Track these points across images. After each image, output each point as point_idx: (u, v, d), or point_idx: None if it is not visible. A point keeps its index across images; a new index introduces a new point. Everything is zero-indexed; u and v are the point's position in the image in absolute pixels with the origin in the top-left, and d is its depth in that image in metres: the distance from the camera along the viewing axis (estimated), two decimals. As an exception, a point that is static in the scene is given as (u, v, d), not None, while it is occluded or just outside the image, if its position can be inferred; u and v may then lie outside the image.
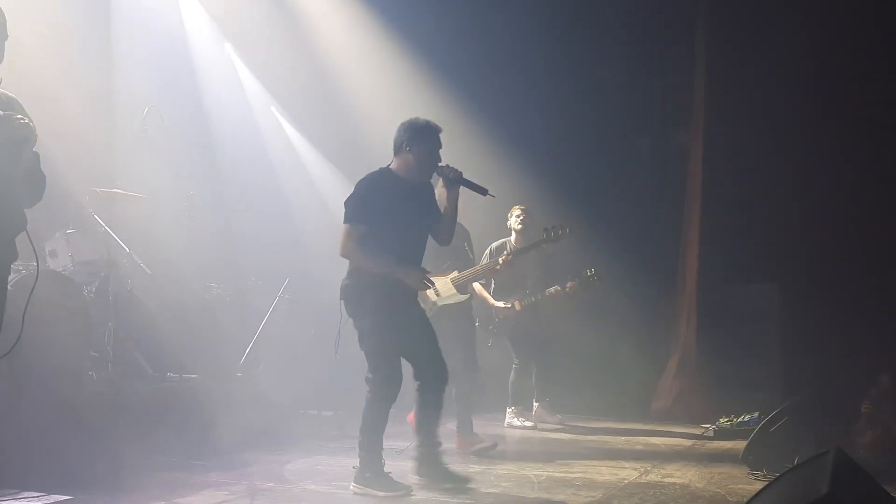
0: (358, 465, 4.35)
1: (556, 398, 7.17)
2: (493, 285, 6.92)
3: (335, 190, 8.91)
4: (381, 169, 4.47)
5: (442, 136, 4.46)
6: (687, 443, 6.28)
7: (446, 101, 8.30)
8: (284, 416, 6.25)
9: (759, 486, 4.07)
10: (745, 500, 2.66)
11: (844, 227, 6.89)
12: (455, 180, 4.39)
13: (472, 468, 5.06)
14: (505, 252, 6.15)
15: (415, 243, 4.49)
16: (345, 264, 4.51)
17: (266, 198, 7.89)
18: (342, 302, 4.47)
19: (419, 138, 4.36)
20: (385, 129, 8.41)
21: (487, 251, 6.79)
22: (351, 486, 4.32)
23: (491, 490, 4.44)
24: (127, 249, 5.22)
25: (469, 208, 6.52)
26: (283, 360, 6.66)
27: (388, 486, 4.25)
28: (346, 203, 4.36)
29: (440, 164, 4.39)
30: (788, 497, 2.19)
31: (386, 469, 4.37)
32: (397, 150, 4.43)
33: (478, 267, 5.93)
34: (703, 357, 7.54)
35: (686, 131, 7.97)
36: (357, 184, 4.42)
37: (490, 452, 5.56)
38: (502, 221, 7.21)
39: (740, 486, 4.55)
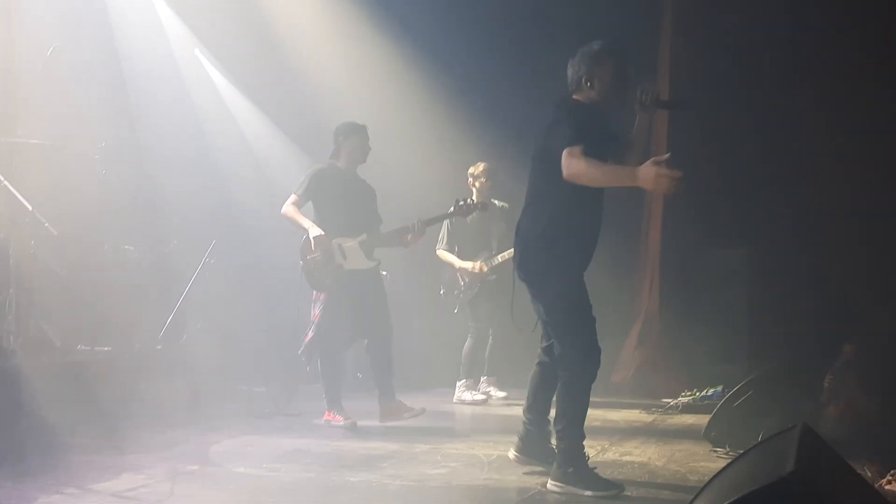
0: (559, 457, 4.06)
1: (510, 372, 7.25)
2: (456, 249, 7.04)
3: (268, 143, 8.81)
4: (576, 101, 4.07)
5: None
6: (647, 418, 6.39)
7: (397, 53, 8.26)
8: (211, 392, 6.20)
9: (721, 463, 4.14)
10: (707, 478, 2.70)
11: (814, 192, 7.01)
12: (652, 104, 4.03)
13: (419, 447, 5.09)
14: (416, 221, 6.15)
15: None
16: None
17: (189, 151, 7.71)
18: (519, 267, 4.20)
19: (600, 67, 4.04)
20: (325, 77, 8.49)
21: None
22: (549, 485, 4.05)
23: (438, 471, 4.45)
24: (30, 207, 5.04)
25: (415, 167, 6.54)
26: (209, 331, 6.57)
27: (597, 484, 3.97)
28: (562, 127, 3.87)
29: (631, 90, 4.02)
30: (752, 475, 2.23)
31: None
32: (576, 86, 4.10)
33: (387, 232, 5.96)
34: (666, 326, 7.68)
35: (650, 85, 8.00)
36: (569, 113, 3.96)
37: (432, 427, 5.62)
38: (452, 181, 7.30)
39: (702, 463, 4.65)
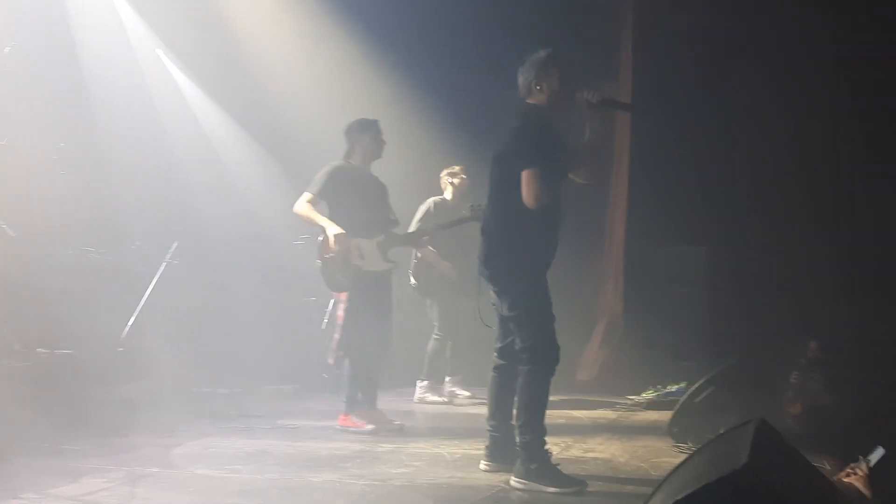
0: (521, 454, 4.10)
1: (472, 371, 7.25)
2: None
3: (231, 143, 8.75)
4: (531, 105, 4.25)
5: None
6: (611, 415, 6.43)
7: (362, 50, 8.24)
8: (173, 395, 6.13)
9: (682, 458, 4.18)
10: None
11: (775, 190, 7.09)
12: (599, 104, 4.17)
13: (383, 447, 5.08)
14: (434, 225, 6.16)
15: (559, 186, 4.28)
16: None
17: (151, 151, 7.62)
18: (484, 264, 4.27)
19: (546, 71, 4.22)
20: (288, 77, 8.45)
21: (430, 204, 6.90)
22: (512, 481, 4.07)
23: (402, 470, 4.44)
24: (-14, 208, 4.98)
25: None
26: (171, 333, 6.50)
27: (560, 481, 3.98)
28: (522, 145, 4.11)
29: (578, 92, 4.17)
30: (708, 468, 2.24)
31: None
32: (527, 91, 4.27)
33: (404, 234, 6.03)
34: (630, 324, 7.73)
35: (613, 88, 8.05)
36: (527, 122, 4.19)
37: (400, 431, 5.58)
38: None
39: (664, 459, 4.68)
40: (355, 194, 5.65)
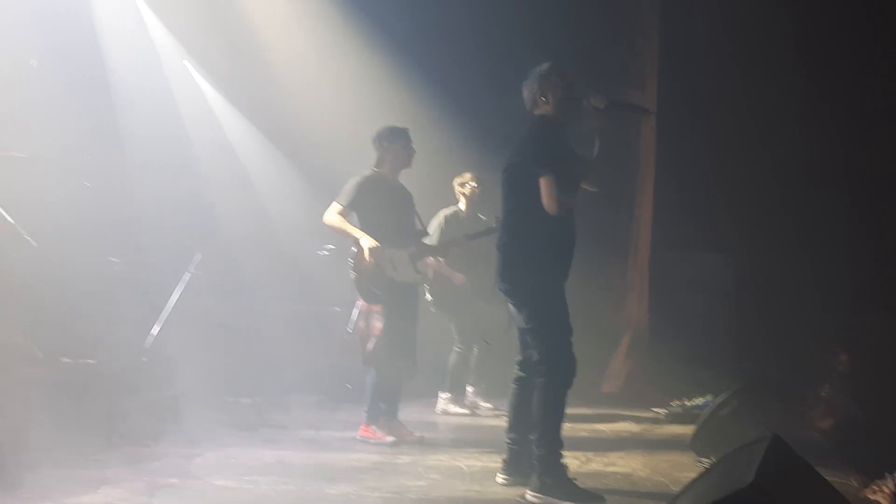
0: (536, 467, 4.09)
1: (495, 382, 7.21)
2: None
3: (257, 154, 8.81)
4: (539, 116, 4.28)
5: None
6: (635, 428, 6.36)
7: (385, 63, 8.26)
8: (195, 405, 6.14)
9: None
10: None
11: (802, 197, 6.99)
12: (607, 109, 4.19)
13: (401, 459, 5.06)
14: (462, 235, 6.20)
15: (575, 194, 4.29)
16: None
17: (177, 161, 7.69)
18: (501, 278, 4.27)
19: (550, 82, 4.26)
20: (314, 88, 8.49)
21: (442, 218, 6.87)
22: (527, 496, 4.06)
23: (418, 482, 4.42)
24: (10, 219, 5.03)
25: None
26: (194, 343, 6.52)
27: (577, 496, 3.96)
28: (535, 154, 4.14)
29: (584, 99, 4.22)
30: (717, 486, 2.20)
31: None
32: (533, 104, 4.31)
33: (435, 246, 6.08)
34: (656, 336, 7.65)
35: (639, 96, 8.00)
36: (538, 131, 4.22)
37: (420, 443, 5.56)
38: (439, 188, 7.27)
39: (686, 474, 4.61)
40: (386, 204, 5.62)
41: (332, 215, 5.56)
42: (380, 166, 5.70)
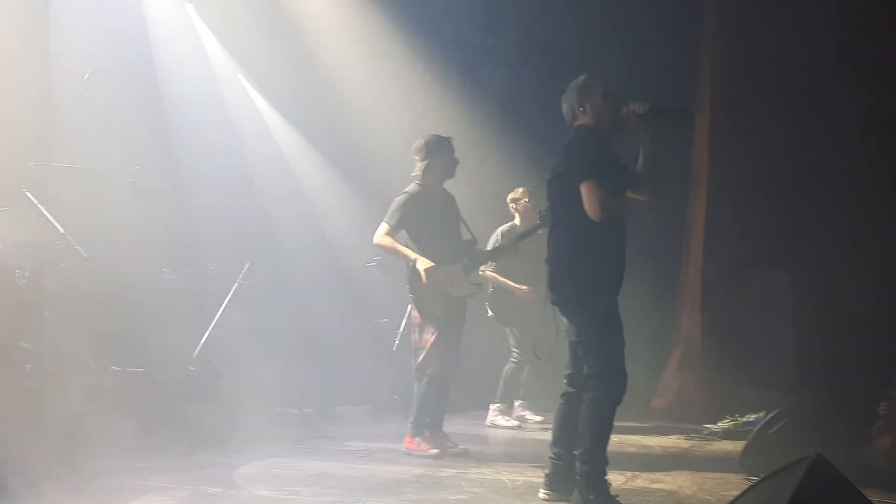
0: (580, 483, 4.04)
1: (544, 396, 7.14)
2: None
3: (310, 167, 8.89)
4: (580, 126, 4.25)
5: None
6: (685, 444, 6.24)
7: (437, 77, 8.29)
8: (242, 414, 6.20)
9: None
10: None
11: (862, 211, 6.79)
12: (648, 114, 4.12)
13: (444, 472, 5.03)
14: (513, 237, 6.16)
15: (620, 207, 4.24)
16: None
17: (230, 174, 7.82)
18: (552, 290, 4.22)
19: (588, 92, 4.23)
20: (363, 102, 8.55)
21: (499, 234, 6.87)
22: None
23: (459, 496, 4.38)
24: (62, 230, 5.13)
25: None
26: (242, 353, 6.59)
27: None
28: (576, 161, 4.09)
29: (624, 106, 4.16)
30: (755, 507, 2.13)
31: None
32: (573, 117, 4.28)
33: (485, 252, 6.01)
34: (708, 351, 7.50)
35: (692, 106, 7.88)
36: (579, 140, 4.18)
37: (465, 454, 5.52)
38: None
39: (733, 492, 4.43)
40: (434, 218, 5.59)
41: (382, 237, 5.54)
42: (424, 179, 5.66)
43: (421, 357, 5.58)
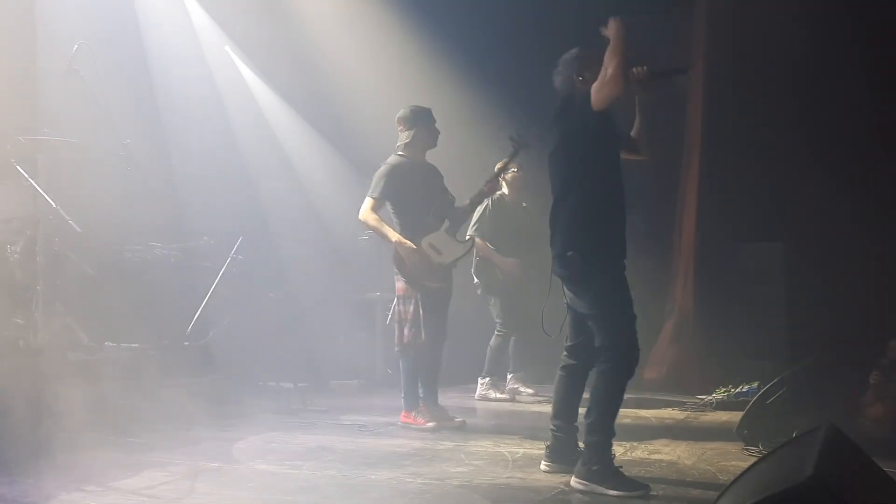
0: (585, 453, 4.02)
1: (535, 368, 7.16)
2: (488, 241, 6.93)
3: (299, 139, 8.80)
4: (580, 92, 4.19)
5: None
6: (680, 415, 6.26)
7: (429, 49, 8.19)
8: (237, 389, 6.18)
9: (750, 463, 4.02)
10: (733, 479, 2.59)
11: (855, 183, 6.79)
12: (649, 78, 4.15)
13: (443, 445, 5.03)
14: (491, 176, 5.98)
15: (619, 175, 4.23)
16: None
17: (219, 147, 7.72)
18: (560, 264, 4.14)
19: (586, 62, 4.19)
20: (354, 74, 8.45)
21: (487, 202, 6.87)
22: (572, 481, 4.00)
23: (461, 469, 4.38)
24: (54, 204, 5.06)
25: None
26: (236, 327, 6.56)
27: (622, 484, 3.87)
28: (579, 107, 4.06)
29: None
30: (774, 477, 2.12)
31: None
32: (571, 87, 4.23)
33: (463, 206, 5.78)
34: (701, 322, 7.51)
35: (685, 79, 7.83)
36: (573, 99, 4.17)
37: (462, 428, 5.52)
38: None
39: (732, 462, 4.52)
40: (418, 190, 5.56)
41: (367, 212, 5.54)
42: (406, 149, 5.64)
43: (405, 329, 5.56)
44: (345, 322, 7.64)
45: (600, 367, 4.05)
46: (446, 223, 5.59)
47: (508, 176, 7.01)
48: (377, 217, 5.53)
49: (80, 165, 5.49)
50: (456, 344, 7.02)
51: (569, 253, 4.08)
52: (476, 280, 7.04)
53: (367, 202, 5.55)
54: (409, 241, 5.44)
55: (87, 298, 5.46)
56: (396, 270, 5.57)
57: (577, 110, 4.13)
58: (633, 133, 4.36)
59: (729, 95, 7.45)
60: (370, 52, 8.42)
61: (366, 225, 5.61)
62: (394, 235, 5.48)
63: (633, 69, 4.12)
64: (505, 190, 7.05)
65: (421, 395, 5.63)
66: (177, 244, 6.34)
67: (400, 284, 5.61)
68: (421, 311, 5.50)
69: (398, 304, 5.67)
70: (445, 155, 6.77)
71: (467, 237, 6.75)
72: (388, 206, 5.61)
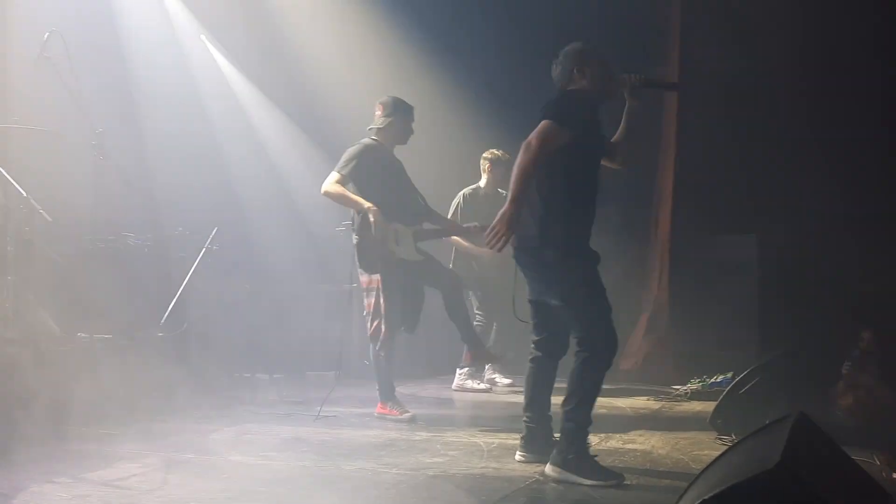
0: (561, 441, 4.02)
1: (515, 358, 7.16)
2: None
3: (274, 129, 8.76)
4: (574, 90, 4.17)
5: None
6: (654, 406, 6.30)
7: (407, 39, 8.17)
8: (212, 381, 6.14)
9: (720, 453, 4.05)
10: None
11: (827, 176, 6.86)
12: (641, 85, 4.16)
13: (419, 435, 5.03)
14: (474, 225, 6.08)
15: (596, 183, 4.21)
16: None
17: (194, 136, 7.67)
18: (530, 252, 4.14)
19: (587, 58, 4.17)
20: (330, 63, 8.41)
21: (460, 196, 6.84)
22: (547, 468, 4.01)
23: (436, 459, 4.38)
24: (24, 193, 5.00)
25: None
26: (211, 318, 6.52)
27: (596, 473, 3.88)
28: (550, 106, 3.99)
29: (621, 75, 4.16)
30: (742, 466, 2.14)
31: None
32: (567, 80, 4.19)
33: (438, 229, 5.87)
34: (676, 314, 7.58)
35: (661, 73, 7.87)
36: (568, 97, 4.13)
37: (434, 415, 5.55)
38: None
39: (706, 452, 4.55)
40: (387, 176, 5.50)
41: (331, 185, 5.40)
42: (379, 134, 5.57)
43: (369, 322, 5.53)
44: (321, 313, 7.62)
45: (579, 357, 4.05)
46: (416, 227, 5.56)
47: (486, 165, 7.04)
48: (342, 187, 5.39)
49: (52, 154, 5.44)
50: (434, 334, 7.04)
51: (546, 251, 4.08)
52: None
53: (333, 176, 5.41)
54: (378, 210, 5.33)
55: (58, 289, 5.40)
56: (354, 235, 5.46)
57: (559, 100, 4.11)
58: (615, 138, 4.30)
59: (704, 92, 7.49)
60: (346, 39, 8.40)
61: (329, 196, 5.43)
62: (365, 202, 5.36)
63: (627, 75, 4.13)
64: (482, 182, 7.06)
65: (394, 386, 5.62)
66: (150, 234, 6.28)
67: (364, 277, 5.56)
68: (382, 302, 5.44)
69: (364, 297, 5.61)
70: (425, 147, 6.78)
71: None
72: (353, 188, 5.48)
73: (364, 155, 5.45)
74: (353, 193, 5.45)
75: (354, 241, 5.48)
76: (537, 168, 3.90)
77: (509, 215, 3.87)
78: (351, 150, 5.50)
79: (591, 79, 4.15)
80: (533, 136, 3.89)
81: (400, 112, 5.57)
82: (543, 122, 3.91)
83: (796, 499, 1.80)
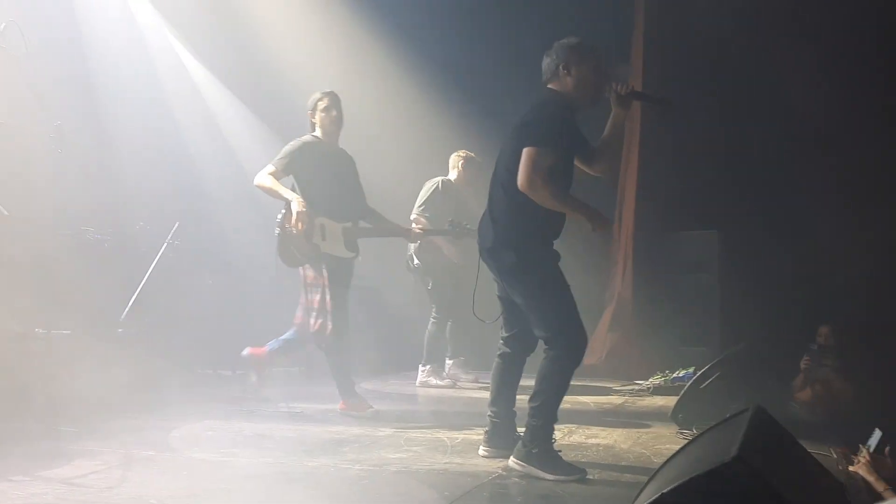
0: (523, 437, 4.04)
1: (473, 354, 7.20)
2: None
3: (237, 124, 8.68)
4: (552, 90, 4.12)
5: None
6: (617, 401, 6.36)
7: (374, 36, 8.14)
8: (173, 377, 6.08)
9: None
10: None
11: (785, 175, 6.97)
12: (629, 96, 4.09)
13: (383, 431, 5.03)
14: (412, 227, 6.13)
15: (571, 179, 4.17)
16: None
17: (156, 130, 7.58)
18: (491, 255, 4.12)
19: (579, 57, 4.07)
20: (294, 58, 8.34)
21: (438, 182, 6.87)
22: (510, 461, 4.02)
23: (399, 455, 4.38)
24: (-20, 188, 4.92)
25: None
26: (173, 314, 6.45)
27: (559, 468, 3.92)
28: (531, 126, 3.95)
29: (608, 85, 4.09)
30: (699, 460, 2.16)
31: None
32: (552, 75, 4.12)
33: (372, 228, 5.79)
34: (639, 309, 7.64)
35: (626, 71, 7.93)
36: (543, 105, 4.06)
37: (398, 411, 5.54)
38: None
39: (667, 446, 4.60)
40: (325, 172, 5.46)
41: (263, 177, 5.39)
42: (316, 132, 5.56)
43: (312, 319, 5.49)
44: (285, 308, 7.54)
45: (547, 354, 4.05)
46: (348, 223, 5.50)
47: (461, 163, 7.03)
48: (274, 179, 5.38)
49: (9, 147, 5.33)
50: (396, 331, 7.03)
51: (506, 252, 4.08)
52: (417, 261, 6.99)
53: (266, 168, 5.42)
54: (303, 202, 5.30)
55: (16, 284, 5.30)
56: (276, 227, 5.40)
57: (539, 105, 4.08)
58: (598, 145, 4.24)
59: (667, 90, 7.54)
60: (310, 33, 8.33)
61: (261, 188, 5.41)
62: (290, 194, 5.35)
63: (615, 84, 4.08)
64: (453, 176, 7.05)
65: (353, 382, 5.60)
66: (111, 229, 6.19)
67: (309, 273, 5.51)
68: (329, 300, 5.40)
69: (306, 293, 5.55)
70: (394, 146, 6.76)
71: (412, 217, 6.76)
72: (293, 185, 5.46)
73: (298, 151, 5.45)
74: (296, 187, 5.44)
75: (276, 233, 5.42)
76: (554, 185, 3.91)
77: (594, 212, 4.03)
78: (289, 145, 5.51)
79: (576, 79, 4.08)
80: (531, 173, 3.85)
81: (316, 105, 5.54)
82: (530, 151, 3.87)
83: (752, 491, 1.83)
